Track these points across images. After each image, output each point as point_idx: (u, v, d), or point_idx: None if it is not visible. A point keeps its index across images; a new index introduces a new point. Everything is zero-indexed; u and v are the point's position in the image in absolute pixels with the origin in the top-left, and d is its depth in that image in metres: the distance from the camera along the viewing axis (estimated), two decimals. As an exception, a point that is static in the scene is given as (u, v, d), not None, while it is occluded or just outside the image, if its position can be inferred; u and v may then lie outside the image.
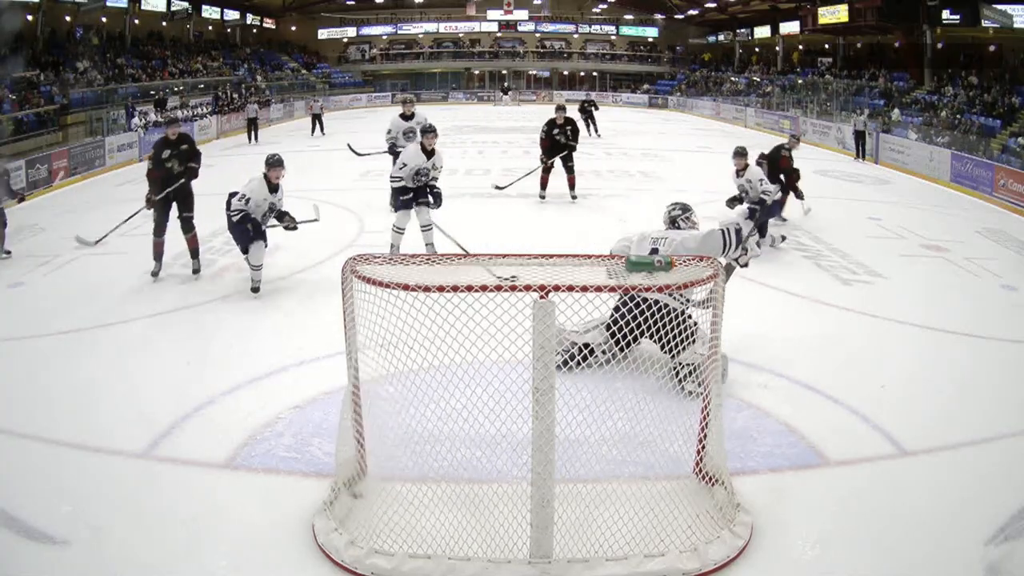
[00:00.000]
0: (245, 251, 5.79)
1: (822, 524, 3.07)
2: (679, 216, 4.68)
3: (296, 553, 2.86)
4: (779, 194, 8.11)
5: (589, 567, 2.70)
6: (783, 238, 7.61)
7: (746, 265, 4.60)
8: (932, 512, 3.15)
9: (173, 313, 5.59)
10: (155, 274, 6.27)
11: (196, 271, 6.36)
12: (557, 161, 9.58)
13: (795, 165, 8.61)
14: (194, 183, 6.34)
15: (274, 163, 5.70)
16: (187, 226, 6.27)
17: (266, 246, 5.88)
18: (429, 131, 6.46)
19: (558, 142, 9.47)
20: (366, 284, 2.81)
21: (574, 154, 9.68)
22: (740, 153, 7.56)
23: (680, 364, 3.74)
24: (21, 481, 3.33)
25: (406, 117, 8.47)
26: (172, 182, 6.16)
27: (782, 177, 8.37)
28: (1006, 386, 4.42)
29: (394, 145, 8.36)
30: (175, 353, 4.80)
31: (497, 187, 9.85)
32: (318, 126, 19.63)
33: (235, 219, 5.63)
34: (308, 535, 2.93)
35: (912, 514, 3.12)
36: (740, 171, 7.46)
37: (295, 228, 5.95)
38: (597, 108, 18.98)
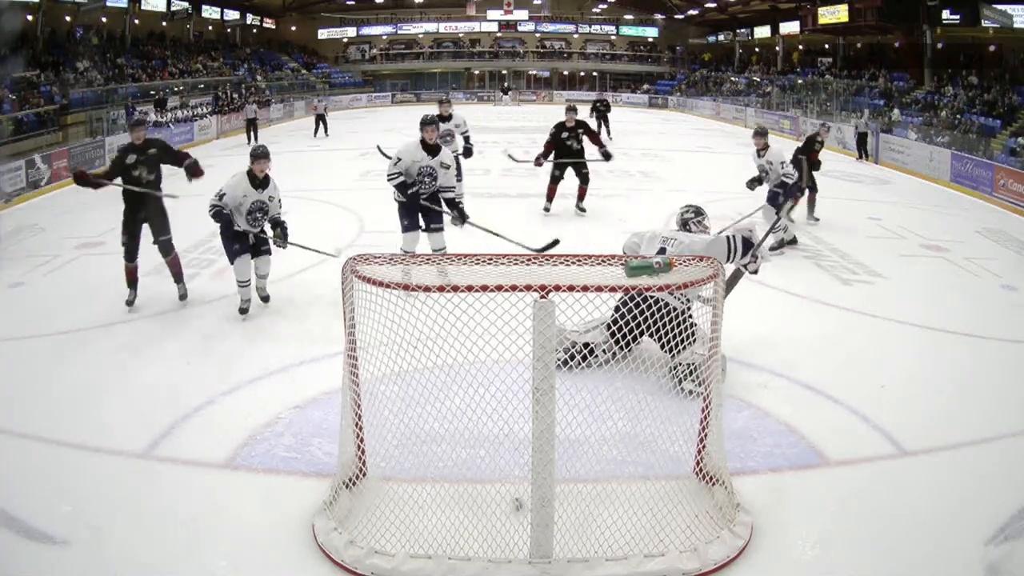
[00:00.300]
0: (232, 262, 5.46)
1: (822, 524, 3.07)
2: (691, 219, 4.70)
3: (296, 553, 2.86)
4: (806, 189, 8.17)
5: (589, 567, 2.71)
6: (794, 240, 7.56)
7: (755, 272, 4.62)
8: (932, 512, 3.15)
9: (173, 313, 5.59)
10: (130, 303, 5.61)
11: (183, 296, 5.79)
12: (567, 169, 8.72)
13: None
14: (192, 183, 5.80)
15: (258, 155, 5.34)
16: (166, 249, 5.69)
17: (260, 254, 5.47)
18: (429, 124, 5.75)
19: (569, 147, 8.48)
20: (366, 284, 2.82)
21: (590, 164, 8.69)
22: (760, 133, 7.50)
23: (679, 364, 3.75)
24: (21, 481, 3.33)
25: (442, 118, 7.64)
26: (140, 193, 5.52)
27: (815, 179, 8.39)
28: (1006, 386, 4.42)
29: None
30: (175, 353, 4.81)
31: (511, 156, 9.33)
32: (322, 127, 19.05)
33: (209, 214, 5.30)
34: (308, 535, 2.94)
35: (912, 514, 3.12)
36: (761, 151, 7.39)
37: (283, 245, 5.50)
38: (610, 109, 18.38)
